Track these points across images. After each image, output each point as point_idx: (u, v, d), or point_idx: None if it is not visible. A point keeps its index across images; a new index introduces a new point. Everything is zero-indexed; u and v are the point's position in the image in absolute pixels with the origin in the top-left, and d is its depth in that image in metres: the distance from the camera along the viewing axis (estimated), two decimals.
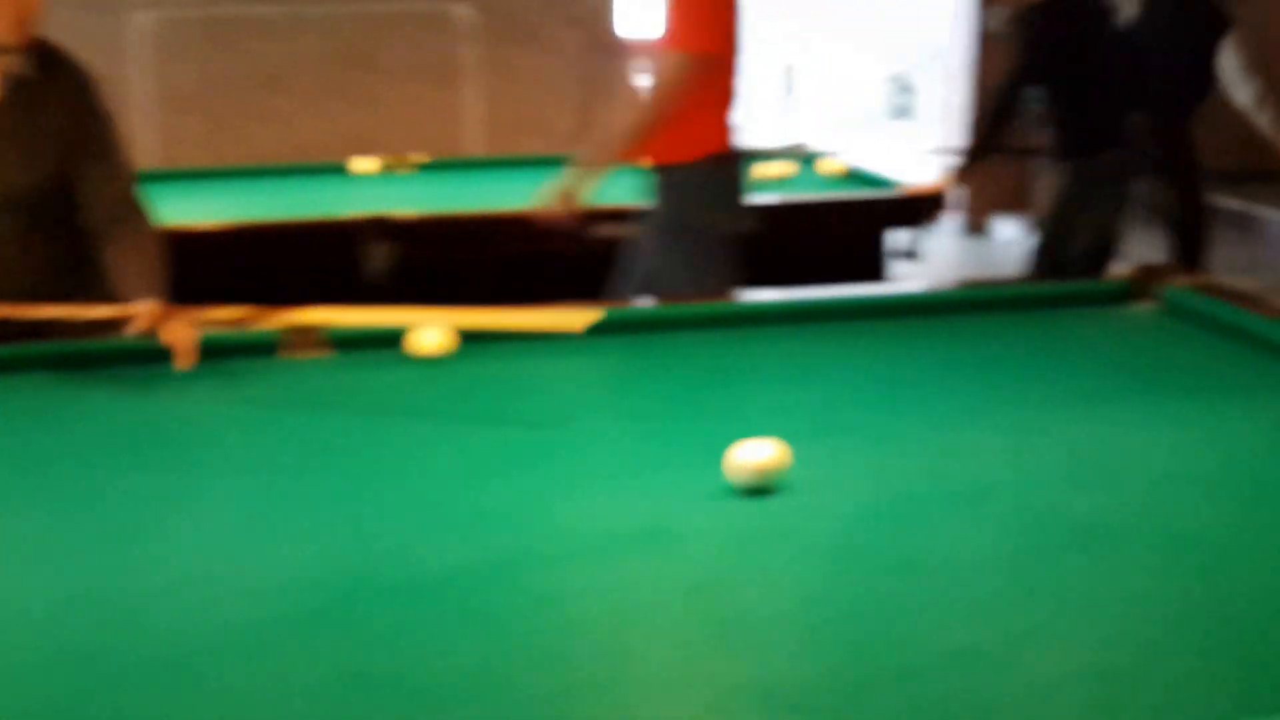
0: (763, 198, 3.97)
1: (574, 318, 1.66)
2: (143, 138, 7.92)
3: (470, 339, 2.30)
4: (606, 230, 3.90)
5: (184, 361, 1.98)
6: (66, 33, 8.83)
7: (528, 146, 7.87)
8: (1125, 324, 2.44)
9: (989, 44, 7.73)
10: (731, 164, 3.35)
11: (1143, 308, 2.51)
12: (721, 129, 3.30)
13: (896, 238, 4.18)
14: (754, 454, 1.58)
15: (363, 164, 5.37)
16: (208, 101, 8.28)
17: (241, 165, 6.74)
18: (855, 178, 4.62)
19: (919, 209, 4.04)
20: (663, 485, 1.63)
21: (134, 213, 2.09)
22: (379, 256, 3.80)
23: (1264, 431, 1.82)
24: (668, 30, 3.13)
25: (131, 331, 1.99)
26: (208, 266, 3.70)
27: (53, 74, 2.19)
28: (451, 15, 8.21)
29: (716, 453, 1.61)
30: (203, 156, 7.89)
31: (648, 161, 3.27)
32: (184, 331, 1.92)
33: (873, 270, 4.15)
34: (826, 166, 4.69)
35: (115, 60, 7.93)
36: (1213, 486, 1.61)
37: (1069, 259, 3.80)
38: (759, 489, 1.58)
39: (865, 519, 1.52)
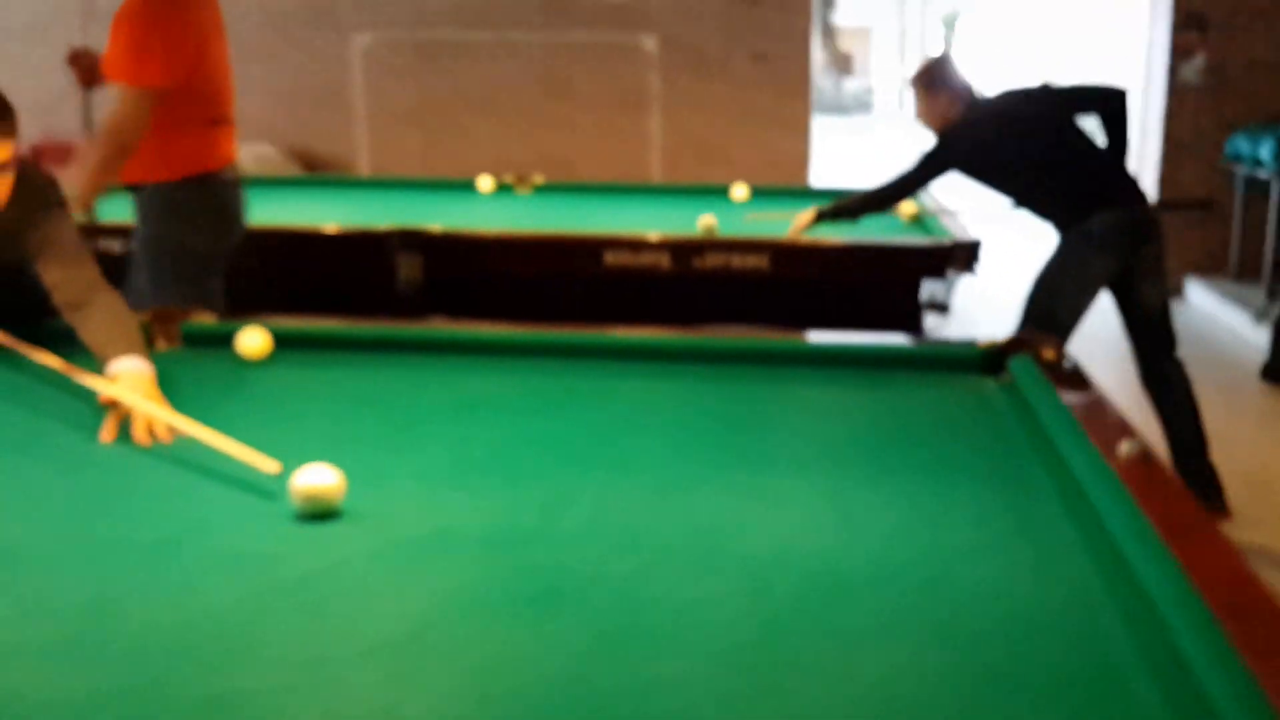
0: (770, 237, 3.88)
1: (266, 462, 1.64)
2: (360, 147, 8.46)
3: (282, 346, 2.36)
4: (621, 258, 3.91)
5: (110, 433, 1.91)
6: (297, 47, 9.60)
7: (706, 174, 7.92)
8: (954, 392, 2.24)
9: (1180, 94, 7.14)
10: (213, 183, 3.40)
11: (995, 379, 2.30)
12: (201, 150, 3.37)
13: (934, 288, 3.96)
14: (309, 478, 1.58)
15: (484, 183, 5.55)
16: (420, 117, 8.73)
17: (389, 176, 7.09)
18: (919, 223, 4.41)
19: (946, 260, 3.81)
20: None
21: (98, 290, 2.18)
22: (409, 266, 3.93)
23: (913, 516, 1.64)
24: (115, 64, 3.22)
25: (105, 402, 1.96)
26: (273, 265, 3.97)
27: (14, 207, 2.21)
28: (641, 46, 8.35)
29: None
30: (415, 168, 8.36)
31: (127, 181, 3.33)
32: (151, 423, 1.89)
33: (906, 321, 3.95)
34: (905, 209, 4.49)
35: (339, 74, 8.51)
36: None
37: (1057, 316, 3.50)
38: (316, 513, 1.57)
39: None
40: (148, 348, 2.13)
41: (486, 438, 1.93)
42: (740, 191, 5.29)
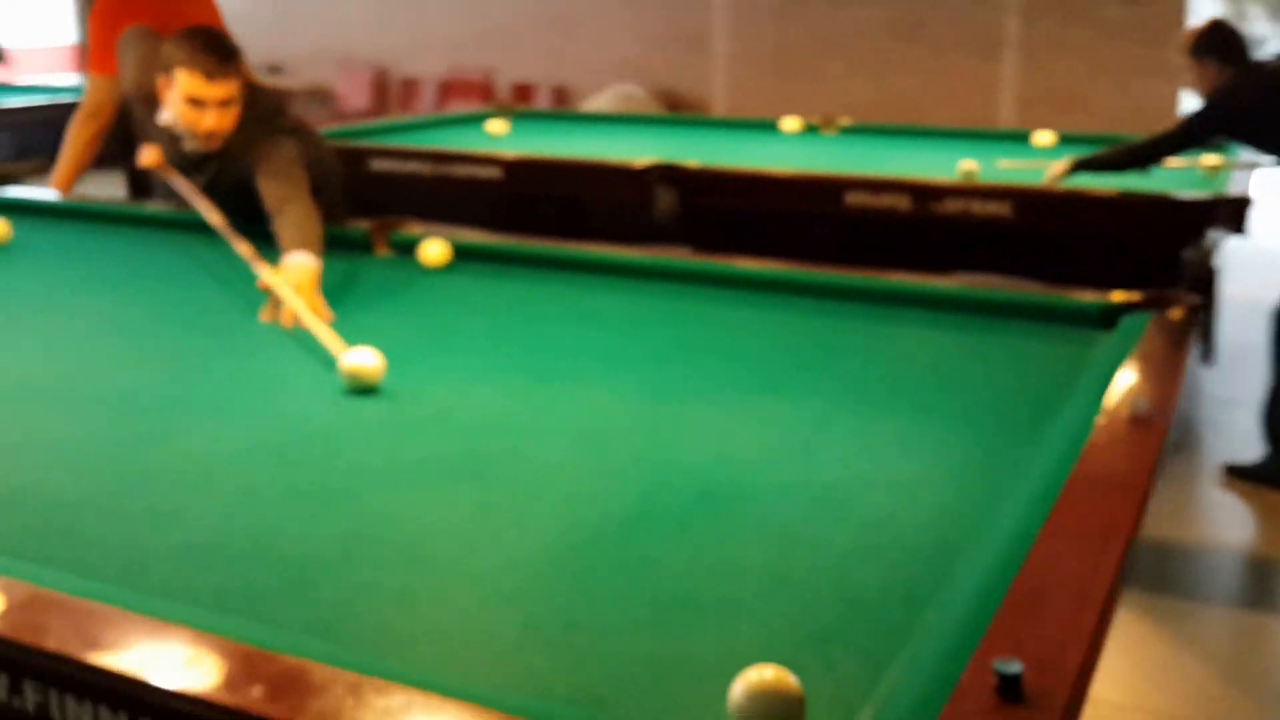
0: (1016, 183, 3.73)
1: (334, 344, 1.95)
2: (718, 89, 8.72)
3: (461, 256, 2.65)
4: (861, 199, 3.92)
5: (268, 315, 2.22)
6: None
7: (1062, 123, 7.56)
8: (1047, 344, 2.17)
9: None
10: None
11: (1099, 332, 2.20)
12: None
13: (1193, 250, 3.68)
14: (355, 358, 1.84)
15: (789, 124, 5.63)
16: (777, 61, 8.86)
17: (688, 115, 7.26)
18: (1215, 177, 4.06)
19: (1208, 217, 3.53)
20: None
21: (294, 199, 2.50)
22: (666, 200, 4.13)
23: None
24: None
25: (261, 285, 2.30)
26: (535, 191, 4.31)
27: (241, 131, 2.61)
28: None
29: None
30: (769, 109, 8.53)
31: None
32: (295, 300, 2.17)
33: (1159, 280, 3.70)
34: (1208, 160, 4.16)
35: (704, 19, 8.78)
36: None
37: None
38: (357, 388, 1.83)
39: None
40: (321, 248, 2.46)
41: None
42: (1044, 138, 5.06)
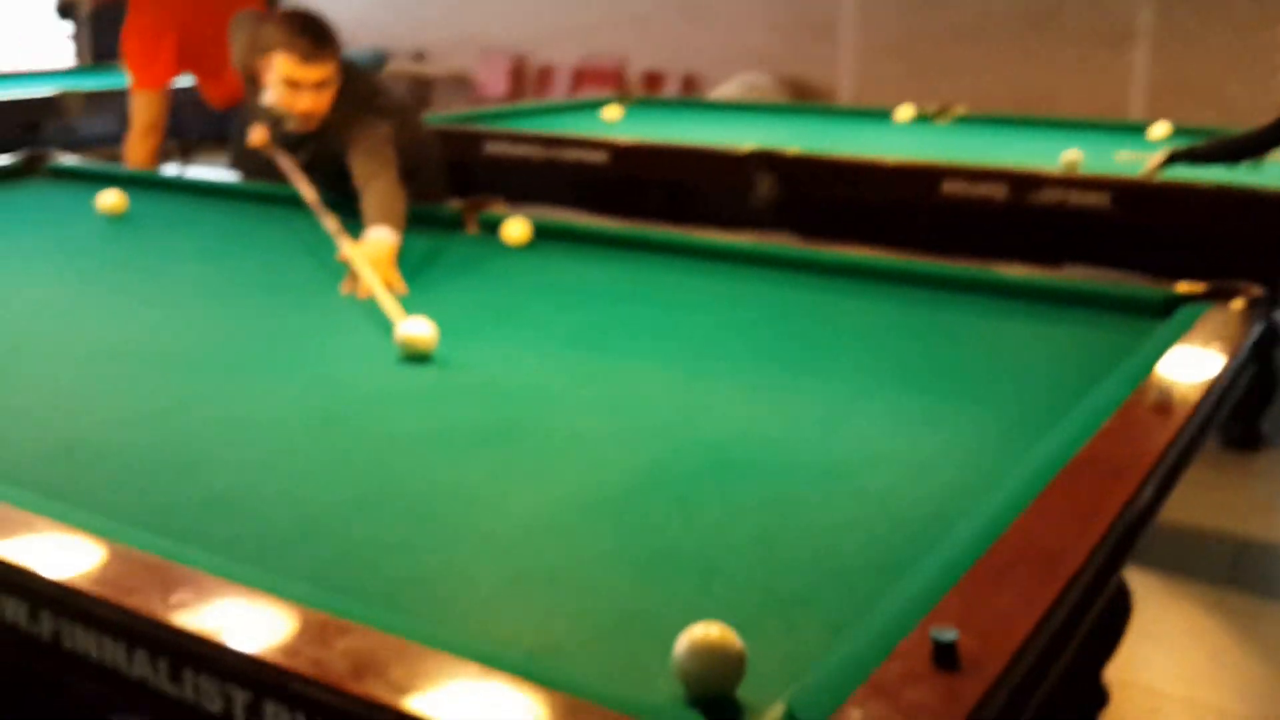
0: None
1: (397, 315, 2.06)
2: (844, 77, 8.64)
3: (539, 236, 2.73)
4: (958, 188, 3.86)
5: (347, 287, 2.33)
6: None
7: (1195, 115, 7.29)
8: (1098, 332, 2.14)
9: None
10: None
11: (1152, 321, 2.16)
12: None
13: None
14: (408, 328, 1.93)
15: (903, 113, 5.57)
16: (905, 49, 8.74)
17: (803, 103, 7.17)
18: None
19: None
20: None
21: (379, 176, 2.60)
22: (766, 186, 4.15)
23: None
24: None
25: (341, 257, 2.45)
26: (642, 175, 4.36)
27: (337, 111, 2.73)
28: None
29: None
30: (894, 98, 8.41)
31: None
32: (369, 273, 2.27)
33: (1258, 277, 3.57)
34: None
35: (831, 7, 8.70)
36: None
37: None
38: (411, 356, 1.92)
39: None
40: (404, 225, 2.56)
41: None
42: (1159, 129, 4.90)
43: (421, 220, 2.87)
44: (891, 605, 1.13)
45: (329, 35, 2.65)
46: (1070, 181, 3.70)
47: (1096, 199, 3.65)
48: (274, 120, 2.85)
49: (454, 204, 2.96)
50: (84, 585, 1.13)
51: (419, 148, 3.07)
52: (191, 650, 1.05)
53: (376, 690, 0.96)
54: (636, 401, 1.78)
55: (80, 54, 8.28)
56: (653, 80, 9.00)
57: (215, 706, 1.04)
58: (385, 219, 2.48)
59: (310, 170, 2.88)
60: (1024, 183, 3.73)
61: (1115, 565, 1.44)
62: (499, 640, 1.10)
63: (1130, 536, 1.49)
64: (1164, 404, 1.64)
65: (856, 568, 1.28)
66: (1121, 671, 2.41)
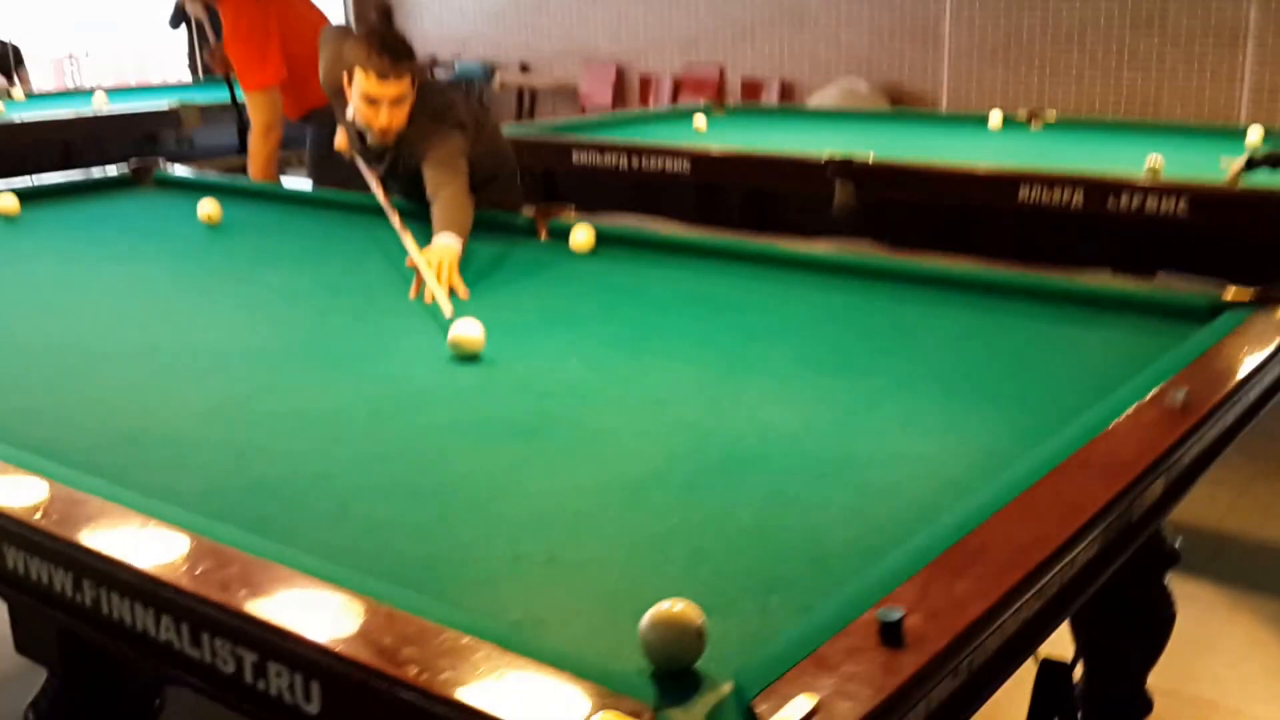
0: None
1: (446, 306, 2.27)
2: (946, 82, 8.57)
3: (604, 242, 2.83)
4: (1035, 194, 3.85)
5: (414, 291, 2.47)
6: None
7: None
8: (1138, 337, 2.15)
9: None
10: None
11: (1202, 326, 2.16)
12: None
13: None
14: (458, 329, 2.04)
15: (994, 118, 5.54)
16: (1005, 53, 8.63)
17: (893, 110, 7.11)
18: None
19: None
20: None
21: (448, 185, 2.74)
22: (844, 193, 4.18)
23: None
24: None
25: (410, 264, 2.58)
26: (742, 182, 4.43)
27: (413, 125, 2.87)
28: None
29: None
30: (995, 103, 8.32)
31: None
32: (432, 278, 2.41)
33: None
34: None
35: (933, 11, 8.63)
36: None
37: None
38: (460, 355, 2.03)
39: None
40: (468, 232, 2.68)
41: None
42: (1254, 134, 4.78)
43: (496, 227, 2.99)
44: (853, 588, 1.19)
45: (406, 53, 2.79)
46: (1149, 187, 3.66)
47: (1174, 205, 3.60)
48: (356, 131, 3.00)
49: (527, 211, 3.07)
50: (123, 559, 1.25)
51: (495, 158, 3.20)
52: (203, 613, 1.17)
53: (362, 654, 1.07)
54: (664, 400, 1.86)
55: (196, 68, 8.67)
56: (751, 88, 9.06)
57: (204, 656, 1.16)
58: (450, 226, 2.61)
59: (388, 179, 3.03)
60: (1101, 188, 3.70)
61: (1105, 561, 1.47)
62: (488, 613, 1.19)
63: (1127, 535, 1.53)
64: (1178, 406, 1.66)
65: (842, 556, 1.34)
66: (1172, 681, 2.40)
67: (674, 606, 1.11)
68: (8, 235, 3.17)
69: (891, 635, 1.08)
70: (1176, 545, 2.24)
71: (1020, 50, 8.62)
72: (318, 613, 1.13)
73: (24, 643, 1.52)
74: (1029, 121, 5.48)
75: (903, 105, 8.72)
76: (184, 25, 8.78)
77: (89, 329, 2.29)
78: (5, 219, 3.27)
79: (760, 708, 0.98)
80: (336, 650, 1.08)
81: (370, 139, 2.92)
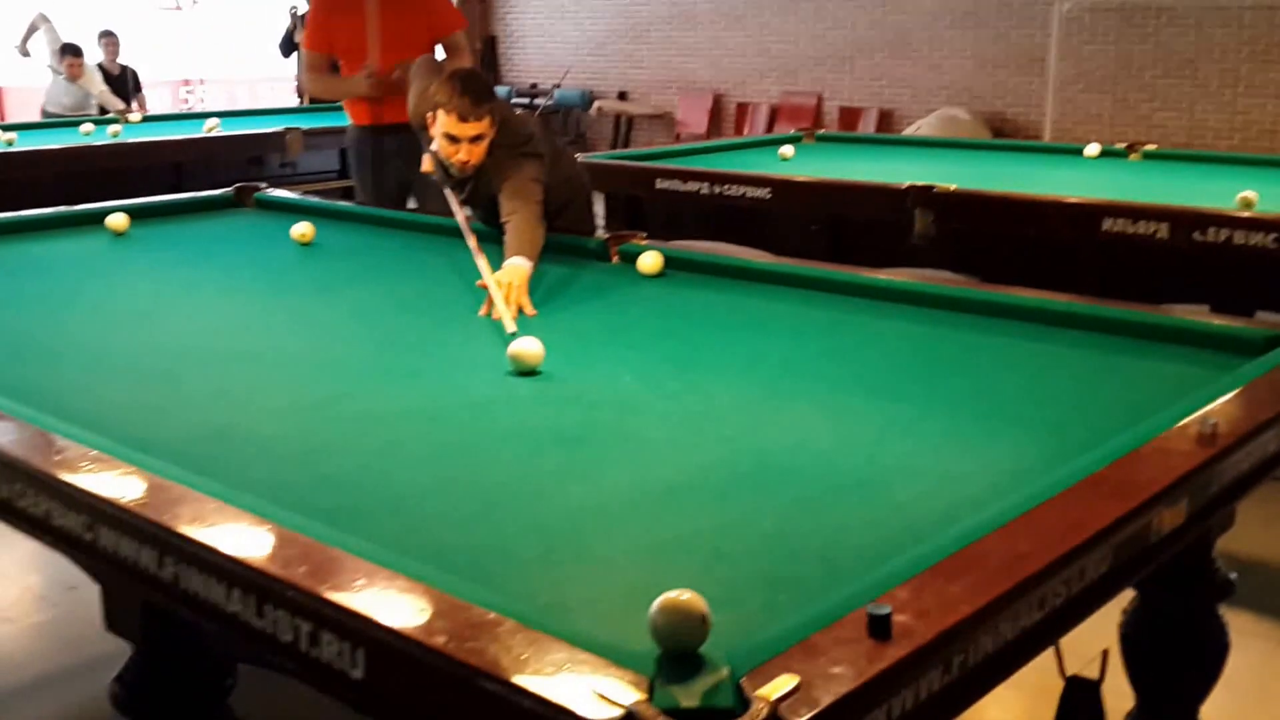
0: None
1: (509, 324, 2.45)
2: (1050, 111, 8.56)
3: (671, 266, 2.98)
4: (1118, 226, 3.89)
5: (485, 310, 2.66)
6: (1002, 13, 10.21)
7: None
8: (1185, 368, 2.22)
9: None
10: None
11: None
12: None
13: None
14: (517, 345, 2.21)
15: (1091, 149, 5.57)
16: (1113, 82, 8.61)
17: (986, 140, 7.10)
18: None
19: None
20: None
21: (519, 211, 2.95)
22: (923, 222, 4.27)
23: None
24: None
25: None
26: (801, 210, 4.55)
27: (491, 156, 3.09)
28: None
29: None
30: (1100, 133, 8.30)
31: None
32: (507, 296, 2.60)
33: None
34: None
35: (1038, 39, 8.64)
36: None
37: None
38: (520, 370, 2.20)
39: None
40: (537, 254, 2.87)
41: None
42: None
43: (571, 250, 3.17)
44: (853, 588, 1.31)
45: (486, 95, 2.99)
46: (1236, 220, 3.68)
47: (1262, 239, 3.62)
48: (440, 162, 3.22)
49: (600, 235, 3.24)
50: (201, 540, 1.43)
51: (569, 187, 3.38)
52: (266, 587, 1.34)
53: (400, 624, 1.22)
54: (706, 415, 2.00)
55: (304, 94, 9.08)
56: (849, 117, 9.15)
57: (267, 627, 1.33)
58: (521, 250, 2.79)
59: (469, 204, 3.23)
60: (1186, 221, 3.73)
61: (1119, 579, 1.57)
62: (518, 596, 1.34)
63: (1143, 556, 1.61)
64: (1205, 435, 1.74)
65: (852, 561, 1.46)
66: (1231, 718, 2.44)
67: (681, 595, 1.25)
68: (116, 250, 3.44)
69: (879, 628, 1.20)
70: (1232, 577, 2.30)
71: (1130, 79, 8.58)
72: (365, 590, 1.29)
73: (113, 621, 1.72)
74: (1128, 152, 5.49)
75: (1005, 134, 8.73)
76: (294, 53, 9.21)
77: (181, 336, 2.52)
78: (115, 235, 3.54)
79: (747, 684, 1.11)
80: (378, 621, 1.23)
81: (452, 171, 3.12)
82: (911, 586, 1.30)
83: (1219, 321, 2.40)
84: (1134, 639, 2.32)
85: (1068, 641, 1.58)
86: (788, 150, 5.60)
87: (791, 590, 1.39)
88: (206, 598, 1.42)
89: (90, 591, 1.68)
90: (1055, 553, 1.39)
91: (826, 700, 1.09)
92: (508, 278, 2.68)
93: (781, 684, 1.10)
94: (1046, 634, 1.44)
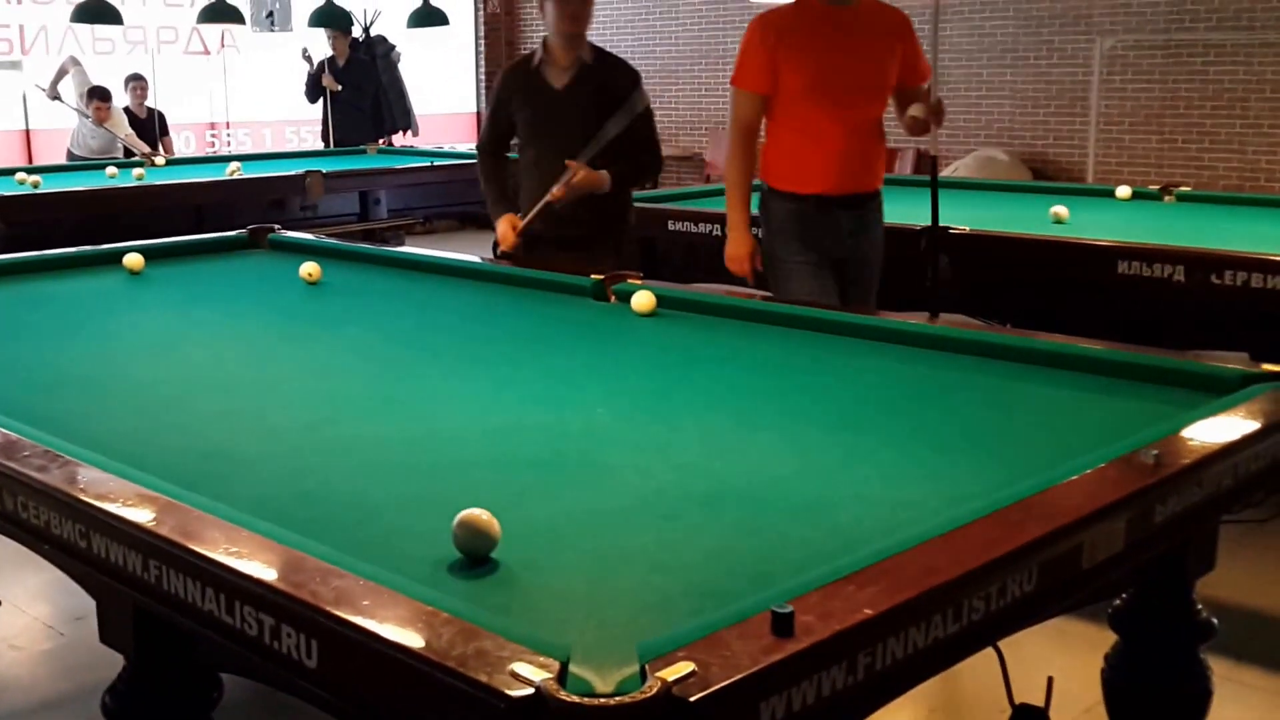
0: None
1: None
2: (1092, 151, 8.71)
3: (664, 305, 3.19)
4: (1133, 269, 4.03)
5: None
6: (1044, 51, 10.41)
7: None
8: (1158, 406, 2.38)
9: None
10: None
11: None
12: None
13: None
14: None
15: (1123, 191, 5.72)
16: (1158, 121, 8.73)
17: (1015, 182, 7.24)
18: None
19: None
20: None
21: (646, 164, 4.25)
22: (938, 263, 4.45)
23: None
24: None
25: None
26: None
27: (605, 64, 4.17)
28: None
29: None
30: (1149, 175, 8.44)
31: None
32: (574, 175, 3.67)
33: None
34: None
35: (1080, 78, 8.81)
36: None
37: None
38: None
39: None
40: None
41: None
42: None
43: (566, 288, 3.40)
44: (769, 594, 1.49)
45: None
46: (1254, 263, 3.78)
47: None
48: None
49: (595, 275, 3.46)
50: (183, 542, 1.64)
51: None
52: (236, 585, 1.55)
53: (353, 618, 1.42)
54: (670, 444, 2.19)
55: (328, 138, 9.43)
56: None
57: (235, 622, 1.54)
58: (616, 173, 4.01)
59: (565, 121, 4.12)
60: (1203, 264, 3.87)
61: (1047, 599, 1.73)
62: (469, 598, 1.54)
63: (1076, 581, 1.77)
64: (1146, 465, 1.90)
65: (784, 574, 1.63)
66: None
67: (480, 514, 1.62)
68: (131, 289, 3.71)
69: (782, 625, 1.38)
70: (1213, 620, 2.42)
71: (1177, 118, 8.70)
72: (324, 590, 1.49)
73: (106, 633, 1.93)
74: (1162, 195, 5.63)
75: (1045, 175, 8.88)
76: (320, 98, 9.58)
77: (185, 367, 2.77)
78: (131, 274, 3.81)
79: (650, 668, 1.30)
80: (334, 613, 1.44)
81: (561, 48, 4.08)
82: (824, 592, 1.48)
83: (1195, 360, 2.55)
84: (1115, 683, 2.46)
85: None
86: None
87: (720, 600, 1.57)
88: (184, 598, 1.63)
89: (95, 623, 1.89)
90: (966, 567, 1.56)
91: (719, 684, 1.27)
92: (585, 174, 3.61)
93: (680, 669, 1.29)
94: (968, 645, 1.61)
